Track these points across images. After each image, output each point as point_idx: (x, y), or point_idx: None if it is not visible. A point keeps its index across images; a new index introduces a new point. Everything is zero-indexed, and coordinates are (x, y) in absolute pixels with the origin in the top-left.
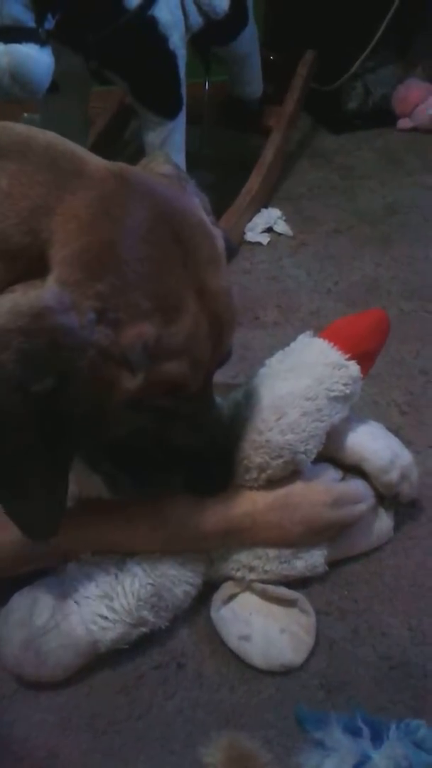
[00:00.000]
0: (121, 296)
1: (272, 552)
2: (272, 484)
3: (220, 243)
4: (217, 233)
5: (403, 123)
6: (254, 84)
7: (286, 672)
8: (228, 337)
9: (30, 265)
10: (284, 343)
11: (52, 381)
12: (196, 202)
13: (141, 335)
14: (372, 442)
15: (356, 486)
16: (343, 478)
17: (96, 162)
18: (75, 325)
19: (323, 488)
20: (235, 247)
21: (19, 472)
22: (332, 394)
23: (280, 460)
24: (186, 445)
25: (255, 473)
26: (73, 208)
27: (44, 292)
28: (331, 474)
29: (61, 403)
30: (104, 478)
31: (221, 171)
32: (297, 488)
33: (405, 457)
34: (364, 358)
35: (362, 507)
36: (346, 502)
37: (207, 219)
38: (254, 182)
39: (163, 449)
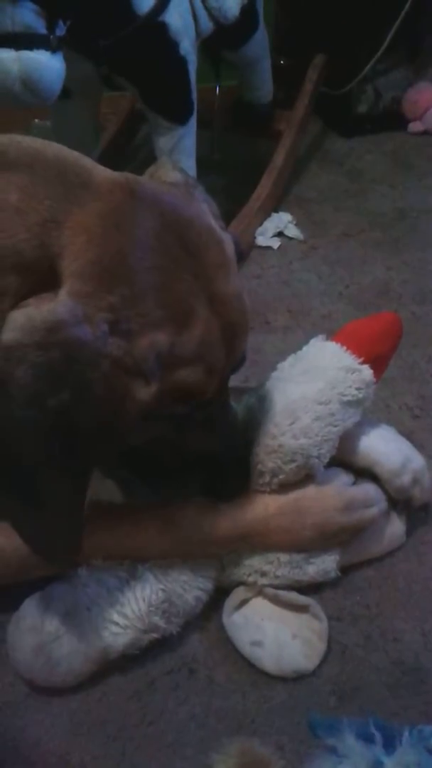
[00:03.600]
0: (133, 307)
1: (284, 557)
2: (284, 488)
3: (230, 248)
4: (227, 238)
5: (414, 126)
6: (265, 88)
7: (298, 678)
8: (241, 342)
9: (41, 278)
10: (295, 347)
11: (67, 394)
12: (204, 209)
13: (154, 344)
14: (384, 446)
15: (368, 490)
16: (354, 482)
17: (103, 174)
18: (89, 337)
19: (335, 493)
20: (246, 250)
21: (36, 489)
22: (345, 398)
23: (293, 465)
24: (202, 451)
25: (268, 478)
26: (81, 221)
27: (57, 306)
28: (343, 478)
29: (77, 416)
30: (118, 483)
31: (232, 175)
32: (309, 493)
33: (417, 460)
34: (377, 362)
35: (374, 511)
36: (358, 507)
37: (216, 225)
38: (265, 186)
39: (179, 455)
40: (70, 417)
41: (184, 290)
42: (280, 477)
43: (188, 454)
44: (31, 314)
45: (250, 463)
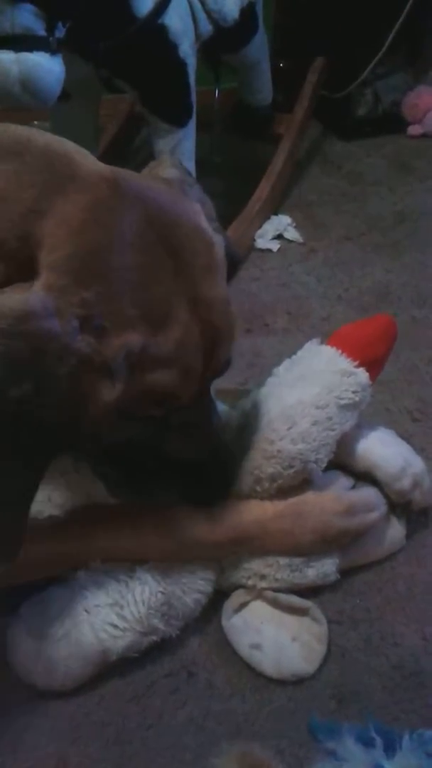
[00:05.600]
0: (107, 304)
1: (283, 560)
2: (283, 493)
3: (219, 251)
4: (217, 240)
5: (414, 129)
6: (264, 91)
7: (298, 681)
8: (224, 347)
9: (21, 268)
10: (295, 349)
11: (30, 386)
12: (194, 208)
13: (125, 344)
14: (383, 449)
15: (368, 494)
16: (354, 486)
17: (90, 166)
18: (58, 331)
19: (334, 497)
20: (239, 255)
21: None
22: (342, 402)
23: (292, 470)
24: (180, 456)
25: (266, 483)
26: (63, 213)
27: (29, 296)
28: (343, 482)
29: (38, 409)
30: (103, 482)
31: (231, 178)
32: (308, 497)
33: (417, 464)
34: (373, 365)
35: (374, 515)
36: (357, 511)
37: (206, 225)
38: (264, 189)
39: (158, 458)
40: (31, 409)
41: (163, 291)
42: (279, 482)
43: (168, 458)
44: (2, 302)
45: (231, 470)
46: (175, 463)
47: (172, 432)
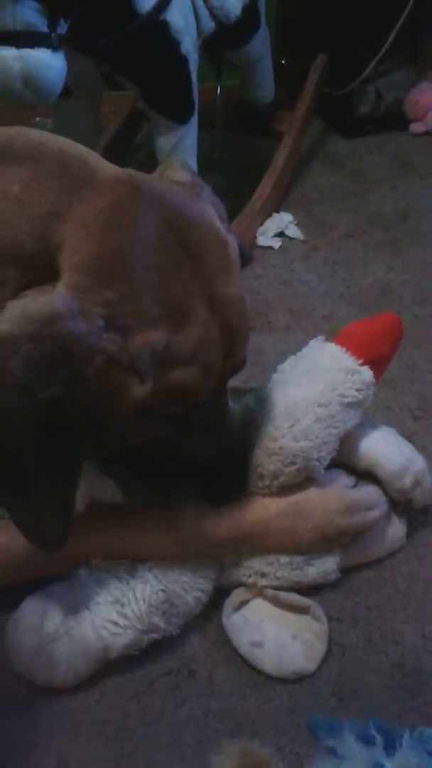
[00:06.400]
0: (130, 304)
1: (284, 558)
2: (285, 491)
3: (233, 250)
4: (231, 240)
5: (416, 127)
6: (266, 88)
7: (299, 679)
8: (240, 345)
9: (40, 271)
10: (296, 347)
11: (60, 388)
12: (208, 210)
13: (149, 342)
14: (385, 448)
15: (369, 492)
16: (355, 485)
17: (106, 169)
18: (83, 331)
19: (336, 495)
20: (249, 254)
21: (27, 480)
22: (345, 400)
23: (294, 467)
24: (198, 453)
25: (268, 480)
26: (83, 216)
27: (54, 299)
28: (344, 480)
29: (68, 410)
30: (117, 483)
31: (233, 175)
32: (310, 495)
33: (418, 462)
34: (377, 363)
35: (375, 514)
36: (359, 509)
37: (220, 226)
38: (266, 187)
39: (176, 457)
40: (61, 411)
41: (183, 290)
42: (281, 480)
43: (185, 456)
44: (27, 306)
45: (247, 467)
46: (191, 461)
47: (189, 429)
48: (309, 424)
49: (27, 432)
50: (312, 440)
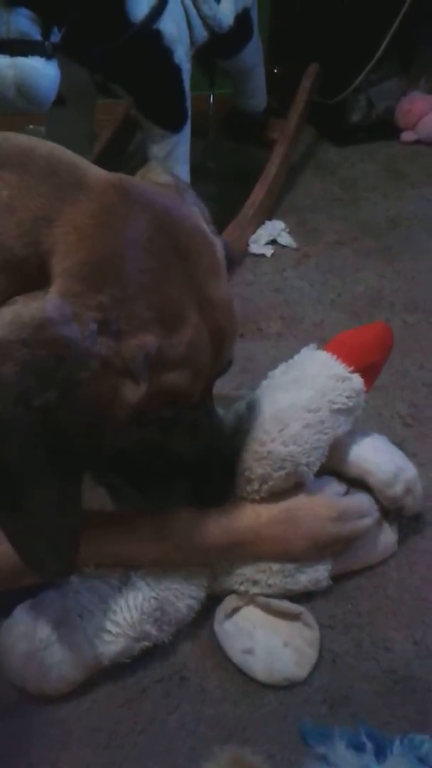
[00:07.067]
0: (123, 307)
1: (276, 566)
2: (275, 496)
3: (220, 253)
4: (217, 243)
5: (407, 136)
6: (258, 97)
7: (290, 686)
8: (228, 347)
9: (31, 276)
10: (288, 354)
11: (55, 393)
12: (195, 212)
13: (143, 346)
14: (375, 456)
15: (360, 500)
16: (347, 492)
17: (96, 173)
18: (77, 336)
19: (327, 502)
20: (236, 257)
21: (24, 494)
22: (335, 406)
23: (282, 472)
24: (187, 455)
25: (257, 485)
26: (73, 220)
27: (46, 304)
28: (336, 488)
29: (64, 415)
30: (108, 490)
31: (225, 183)
32: (301, 502)
33: (409, 470)
34: (368, 371)
35: (367, 521)
36: (350, 517)
37: (207, 228)
38: (258, 194)
39: (165, 460)
40: (57, 416)
41: (175, 293)
42: (270, 484)
43: (174, 460)
44: (19, 311)
45: (235, 469)
46: (180, 464)
47: (179, 432)
48: (298, 429)
49: (23, 440)
50: (301, 445)
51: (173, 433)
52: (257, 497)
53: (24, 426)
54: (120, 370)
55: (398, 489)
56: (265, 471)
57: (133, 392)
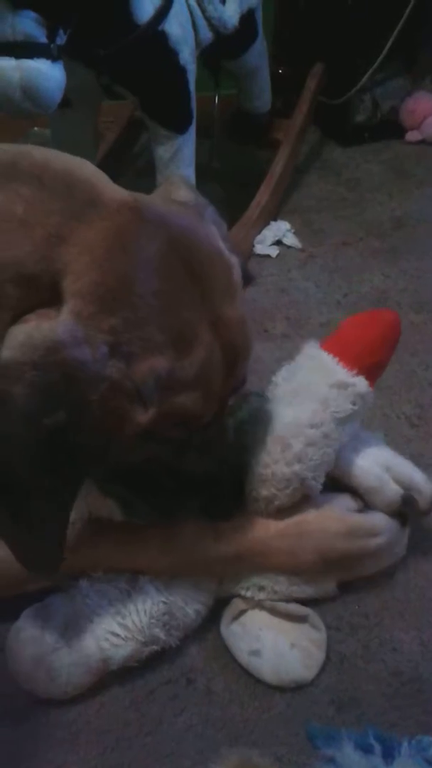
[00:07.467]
0: (134, 330)
1: (282, 576)
2: (284, 511)
3: (236, 272)
4: (234, 262)
5: (412, 135)
6: (263, 97)
7: (297, 688)
8: (242, 366)
9: (43, 293)
10: (293, 355)
11: (64, 415)
12: (212, 231)
13: (154, 369)
14: (360, 459)
15: (375, 518)
16: (361, 510)
17: (111, 191)
18: (88, 358)
19: (338, 517)
20: (251, 274)
21: (25, 503)
22: (339, 415)
23: (288, 490)
24: (198, 470)
25: (263, 504)
26: (87, 239)
27: (58, 326)
28: (348, 503)
29: (72, 435)
30: (118, 503)
31: (230, 184)
32: (311, 516)
33: (400, 468)
34: (373, 370)
35: (379, 541)
36: (361, 534)
37: (223, 248)
38: (263, 195)
39: (176, 476)
40: (65, 437)
41: (188, 315)
42: (276, 503)
43: (185, 475)
44: (31, 332)
45: (245, 482)
46: (191, 479)
47: (191, 450)
48: (302, 447)
49: (30, 457)
50: (305, 462)
51: (185, 452)
52: (265, 514)
53: (31, 444)
54: (129, 393)
55: (388, 492)
56: (270, 492)
57: (141, 415)
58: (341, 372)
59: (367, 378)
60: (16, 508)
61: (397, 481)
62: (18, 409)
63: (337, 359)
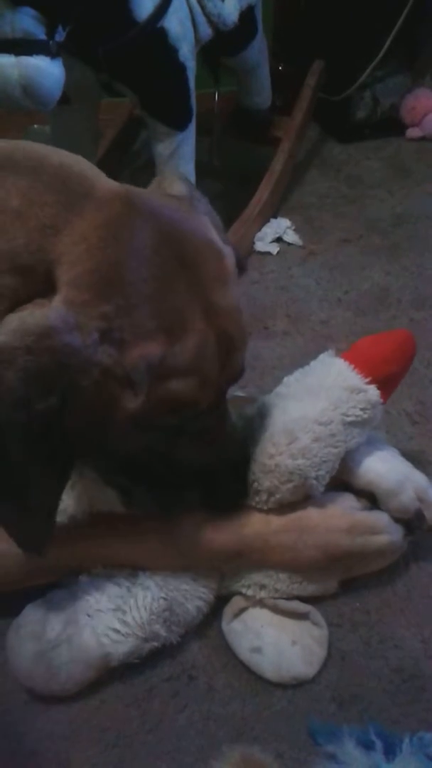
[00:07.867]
0: (126, 317)
1: (283, 573)
2: (283, 507)
3: (230, 261)
4: (227, 251)
5: (412, 132)
6: (263, 94)
7: (298, 684)
8: (238, 355)
9: (38, 283)
10: (294, 352)
11: (56, 399)
12: (204, 222)
13: (145, 355)
14: (381, 465)
15: (377, 517)
16: (365, 509)
17: (104, 184)
18: (79, 344)
19: (340, 513)
20: (245, 263)
21: (18, 485)
22: (348, 419)
23: (290, 485)
24: (198, 462)
25: (264, 496)
26: (80, 230)
27: (50, 312)
28: (351, 502)
29: (63, 420)
30: (118, 492)
31: (230, 181)
32: (313, 512)
33: (418, 479)
34: (386, 383)
35: (381, 539)
36: (363, 531)
37: (216, 238)
38: (263, 192)
39: (175, 466)
40: (57, 421)
41: (179, 302)
42: (277, 496)
43: (184, 465)
44: (24, 318)
45: (247, 475)
46: (190, 471)
47: (187, 438)
48: (307, 442)
49: (22, 441)
50: (310, 459)
51: (182, 440)
52: (265, 508)
53: (24, 428)
54: (121, 379)
55: (404, 498)
56: (272, 483)
57: (132, 401)
58: (355, 377)
59: (380, 389)
60: (7, 489)
61: None
62: (10, 393)
63: (352, 366)
